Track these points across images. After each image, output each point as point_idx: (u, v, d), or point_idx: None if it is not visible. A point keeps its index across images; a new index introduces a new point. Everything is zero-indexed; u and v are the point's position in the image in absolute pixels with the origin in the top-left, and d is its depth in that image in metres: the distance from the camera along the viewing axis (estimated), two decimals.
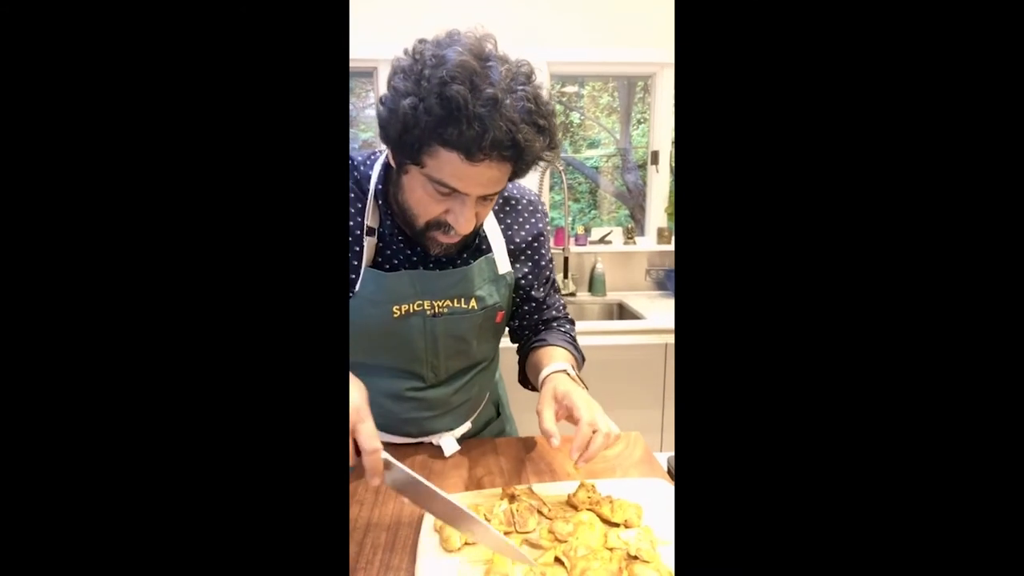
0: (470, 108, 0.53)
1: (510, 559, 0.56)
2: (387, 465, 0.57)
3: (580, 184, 2.69)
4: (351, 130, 2.50)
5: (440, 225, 0.64)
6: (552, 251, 2.25)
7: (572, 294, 2.23)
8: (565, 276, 2.21)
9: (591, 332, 1.86)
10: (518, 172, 0.61)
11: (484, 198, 0.62)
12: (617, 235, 2.40)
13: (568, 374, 0.74)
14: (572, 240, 2.29)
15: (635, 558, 0.57)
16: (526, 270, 0.82)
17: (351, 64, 2.16)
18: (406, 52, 0.58)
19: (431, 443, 0.85)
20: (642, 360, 1.94)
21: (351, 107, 2.48)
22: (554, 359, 0.78)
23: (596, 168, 2.65)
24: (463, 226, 0.62)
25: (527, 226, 0.81)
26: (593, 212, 2.70)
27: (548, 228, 0.84)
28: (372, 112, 2.46)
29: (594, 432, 0.64)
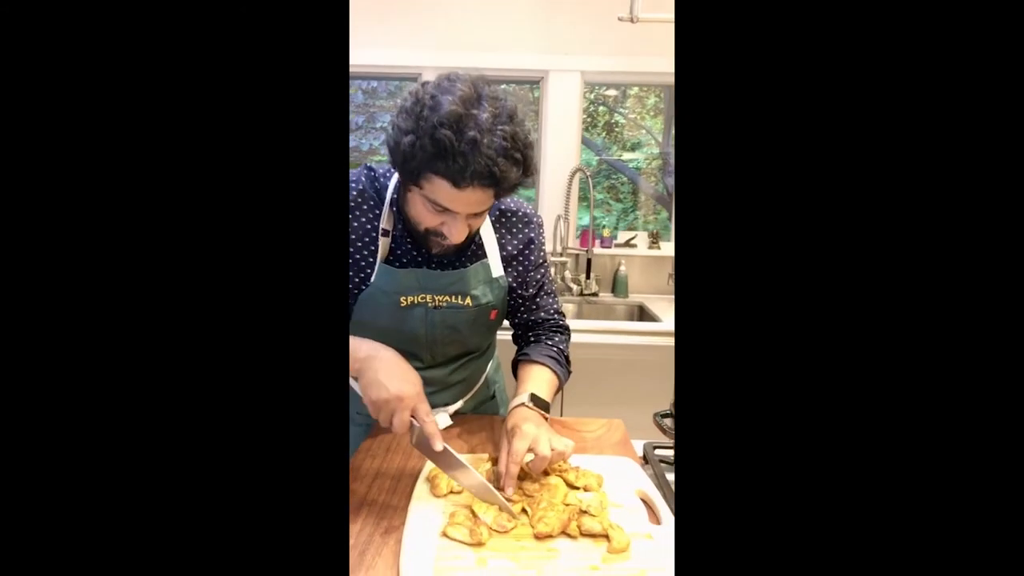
0: (455, 147, 0.67)
1: (487, 503, 0.70)
2: (412, 426, 0.73)
3: (623, 184, 2.74)
4: None
5: (437, 233, 0.78)
6: (576, 251, 2.32)
7: (595, 294, 2.33)
8: (587, 276, 2.31)
9: (607, 331, 1.96)
10: (500, 194, 0.74)
11: (474, 214, 0.76)
12: (643, 239, 2.49)
13: (526, 405, 0.84)
14: (598, 242, 2.39)
15: (585, 512, 0.69)
16: (516, 274, 0.94)
17: (398, 71, 2.33)
18: (410, 94, 0.72)
19: None
20: (655, 361, 2.03)
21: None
22: (523, 387, 0.88)
23: (638, 169, 2.70)
24: (455, 237, 0.76)
25: (520, 236, 0.93)
26: (634, 213, 2.76)
27: (540, 238, 0.96)
28: None
29: (511, 464, 0.73)
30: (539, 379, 0.90)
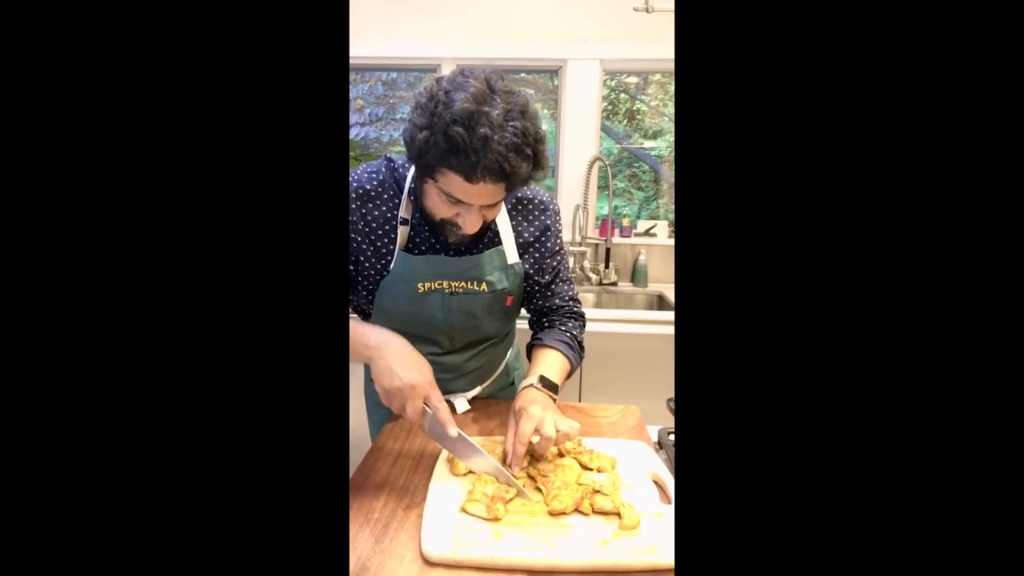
0: (467, 144, 0.69)
1: (495, 479, 0.73)
2: (424, 412, 0.76)
3: (645, 172, 2.72)
4: None
5: (452, 223, 0.81)
6: (595, 241, 2.33)
7: (614, 283, 2.34)
8: (606, 266, 2.32)
9: (626, 320, 1.98)
10: (512, 188, 0.77)
11: (488, 206, 0.78)
12: (663, 228, 2.48)
13: (535, 387, 0.87)
14: (617, 231, 2.39)
15: (598, 491, 0.72)
16: (532, 260, 0.96)
17: (417, 62, 2.36)
18: (425, 89, 0.74)
19: (447, 400, 1.02)
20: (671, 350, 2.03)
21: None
22: (534, 369, 0.92)
23: (659, 157, 2.68)
24: (469, 227, 0.79)
25: (536, 223, 0.95)
26: (656, 202, 2.74)
27: (556, 225, 0.97)
28: None
29: (518, 445, 0.77)
30: (550, 362, 0.93)
